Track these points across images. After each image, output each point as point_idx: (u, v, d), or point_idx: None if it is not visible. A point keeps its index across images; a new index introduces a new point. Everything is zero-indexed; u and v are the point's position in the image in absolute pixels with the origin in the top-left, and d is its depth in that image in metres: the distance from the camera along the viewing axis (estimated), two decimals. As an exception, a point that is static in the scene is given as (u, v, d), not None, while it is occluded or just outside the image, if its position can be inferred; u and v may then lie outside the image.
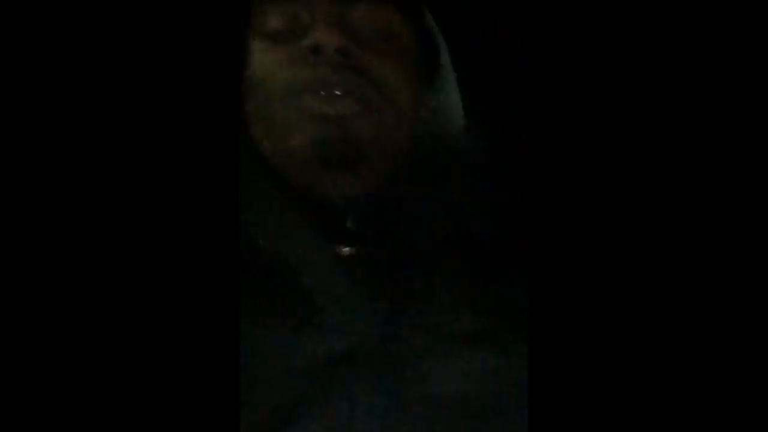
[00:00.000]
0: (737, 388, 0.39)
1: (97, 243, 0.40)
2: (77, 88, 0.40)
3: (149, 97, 0.41)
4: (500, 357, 0.46)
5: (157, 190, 0.40)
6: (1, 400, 0.39)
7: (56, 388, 0.40)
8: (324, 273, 0.46)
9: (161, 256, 0.39)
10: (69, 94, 0.40)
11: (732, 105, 0.40)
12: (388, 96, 0.48)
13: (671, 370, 0.39)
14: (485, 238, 0.51)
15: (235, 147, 0.40)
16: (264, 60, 0.49)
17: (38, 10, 0.40)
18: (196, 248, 0.39)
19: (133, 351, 0.39)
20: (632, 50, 0.40)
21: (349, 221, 0.48)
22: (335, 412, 0.42)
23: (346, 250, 0.48)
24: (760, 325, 0.39)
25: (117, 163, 0.40)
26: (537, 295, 0.39)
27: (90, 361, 0.39)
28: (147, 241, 0.39)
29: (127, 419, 0.38)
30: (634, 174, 0.40)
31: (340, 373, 0.43)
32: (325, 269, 0.46)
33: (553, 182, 0.40)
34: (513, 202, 0.52)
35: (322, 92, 0.47)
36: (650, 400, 0.39)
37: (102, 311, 0.39)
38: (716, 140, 0.40)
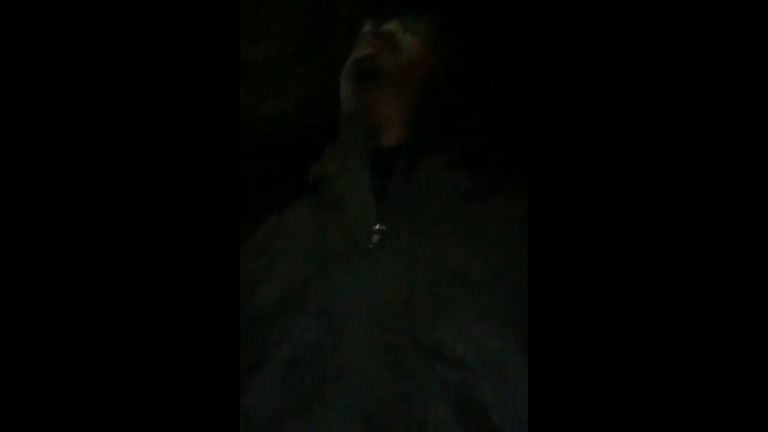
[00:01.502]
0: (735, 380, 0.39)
1: (96, 226, 0.42)
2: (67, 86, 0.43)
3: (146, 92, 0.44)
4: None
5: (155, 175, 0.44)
6: (1, 400, 0.39)
7: (59, 386, 0.40)
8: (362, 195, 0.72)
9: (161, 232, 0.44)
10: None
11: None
12: (403, 53, 0.78)
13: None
14: (488, 157, 0.76)
15: (235, 145, 0.46)
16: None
17: None
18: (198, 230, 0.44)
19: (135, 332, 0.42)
20: None
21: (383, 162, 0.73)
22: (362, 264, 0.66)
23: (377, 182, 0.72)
24: (760, 324, 0.39)
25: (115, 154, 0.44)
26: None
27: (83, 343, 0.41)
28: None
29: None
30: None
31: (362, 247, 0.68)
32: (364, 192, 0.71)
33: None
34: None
35: (363, 46, 0.78)
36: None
37: (102, 287, 0.42)
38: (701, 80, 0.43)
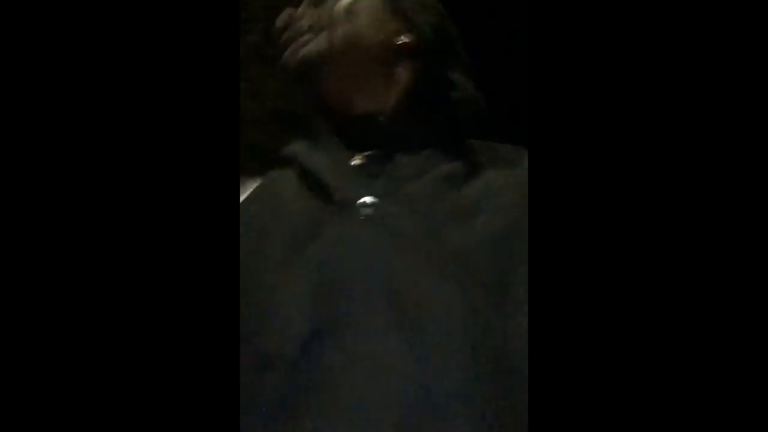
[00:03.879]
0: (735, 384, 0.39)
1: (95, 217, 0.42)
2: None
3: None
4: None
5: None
6: (2, 400, 0.39)
7: (60, 385, 0.40)
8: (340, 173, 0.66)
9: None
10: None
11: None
12: (354, 19, 0.72)
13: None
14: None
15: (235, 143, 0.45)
16: None
17: None
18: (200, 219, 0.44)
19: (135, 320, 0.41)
20: None
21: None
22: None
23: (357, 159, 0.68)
24: (760, 325, 0.39)
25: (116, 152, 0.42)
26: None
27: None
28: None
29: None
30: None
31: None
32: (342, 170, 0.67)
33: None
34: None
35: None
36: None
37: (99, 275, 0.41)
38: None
